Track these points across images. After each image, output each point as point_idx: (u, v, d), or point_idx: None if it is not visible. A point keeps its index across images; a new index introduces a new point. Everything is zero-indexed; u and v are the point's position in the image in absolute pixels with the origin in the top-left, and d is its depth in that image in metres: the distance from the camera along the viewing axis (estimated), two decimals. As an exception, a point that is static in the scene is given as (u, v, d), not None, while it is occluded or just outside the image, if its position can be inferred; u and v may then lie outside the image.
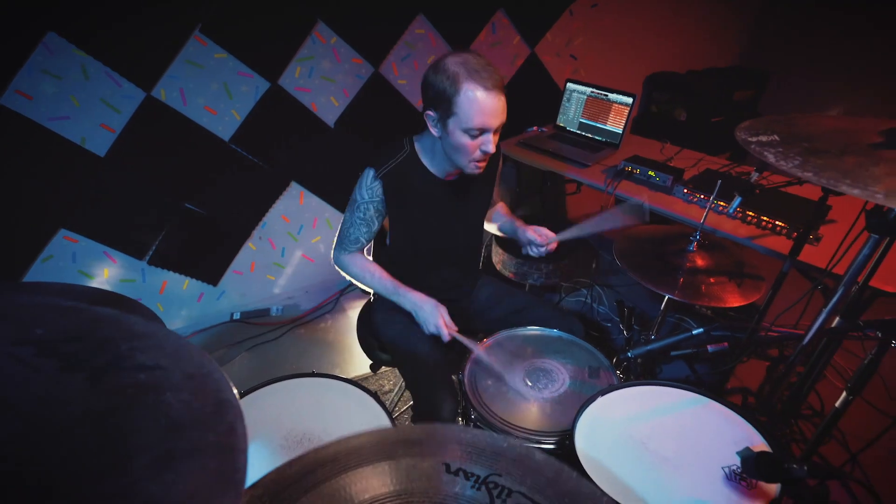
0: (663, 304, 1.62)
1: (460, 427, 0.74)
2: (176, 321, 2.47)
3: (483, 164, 1.30)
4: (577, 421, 1.03)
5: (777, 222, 1.74)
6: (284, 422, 1.17)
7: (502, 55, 2.62)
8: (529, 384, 1.30)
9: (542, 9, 2.62)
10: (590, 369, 1.35)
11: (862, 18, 3.08)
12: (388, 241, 1.54)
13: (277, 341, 2.51)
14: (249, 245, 2.48)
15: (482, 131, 1.21)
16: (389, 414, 1.23)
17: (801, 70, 3.39)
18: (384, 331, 1.56)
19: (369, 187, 1.35)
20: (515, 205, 3.16)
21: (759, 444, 0.91)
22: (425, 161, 1.38)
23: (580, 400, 1.25)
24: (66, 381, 0.43)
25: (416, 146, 1.37)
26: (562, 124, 2.63)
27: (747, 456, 0.77)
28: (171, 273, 2.32)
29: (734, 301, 1.38)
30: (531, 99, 2.80)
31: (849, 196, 0.71)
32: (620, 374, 1.67)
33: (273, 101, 2.17)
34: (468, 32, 2.47)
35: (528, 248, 1.51)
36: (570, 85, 2.55)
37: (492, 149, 1.23)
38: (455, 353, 1.54)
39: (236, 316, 2.59)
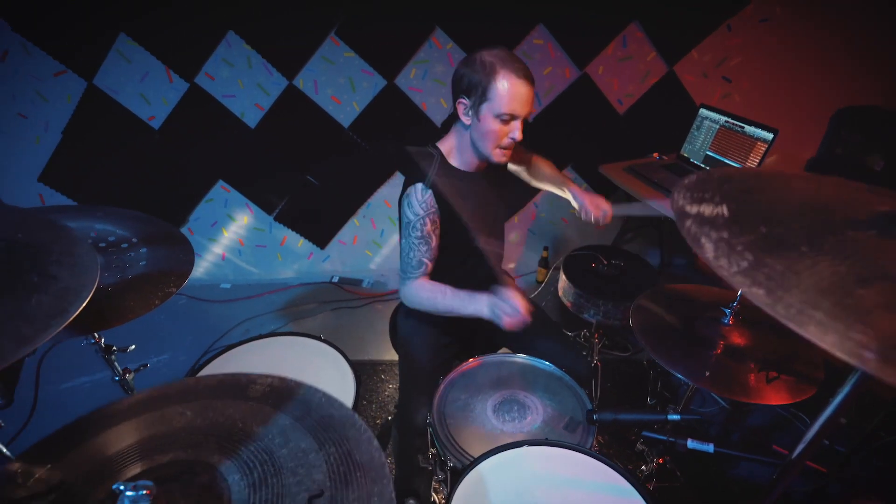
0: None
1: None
2: (289, 271, 2.96)
3: (509, 153, 1.34)
4: (483, 458, 0.98)
5: None
6: (265, 368, 1.38)
7: (631, 71, 2.41)
8: (495, 412, 1.26)
9: (690, 23, 2.30)
10: (570, 420, 1.23)
11: None
12: None
13: (359, 310, 2.81)
14: (354, 221, 2.82)
15: (512, 117, 1.25)
16: (357, 391, 1.35)
17: None
18: (402, 325, 1.66)
19: (422, 201, 1.33)
20: (622, 233, 2.89)
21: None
22: (453, 161, 1.41)
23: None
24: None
25: (442, 150, 1.41)
26: (685, 154, 2.31)
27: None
28: (290, 230, 2.80)
29: (776, 398, 1.09)
30: (660, 123, 2.51)
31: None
32: (649, 447, 1.46)
33: (388, 98, 2.41)
34: (593, 45, 2.34)
35: (582, 212, 1.52)
36: (703, 111, 2.22)
37: (519, 136, 1.27)
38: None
39: (335, 279, 2.98)
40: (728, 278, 0.53)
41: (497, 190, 1.51)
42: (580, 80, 2.41)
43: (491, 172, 1.48)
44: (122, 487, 0.58)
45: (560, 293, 2.12)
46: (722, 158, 2.13)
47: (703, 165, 2.22)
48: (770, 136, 1.94)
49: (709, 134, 2.19)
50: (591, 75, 2.40)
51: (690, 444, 0.97)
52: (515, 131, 1.27)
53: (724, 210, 0.63)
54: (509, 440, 1.13)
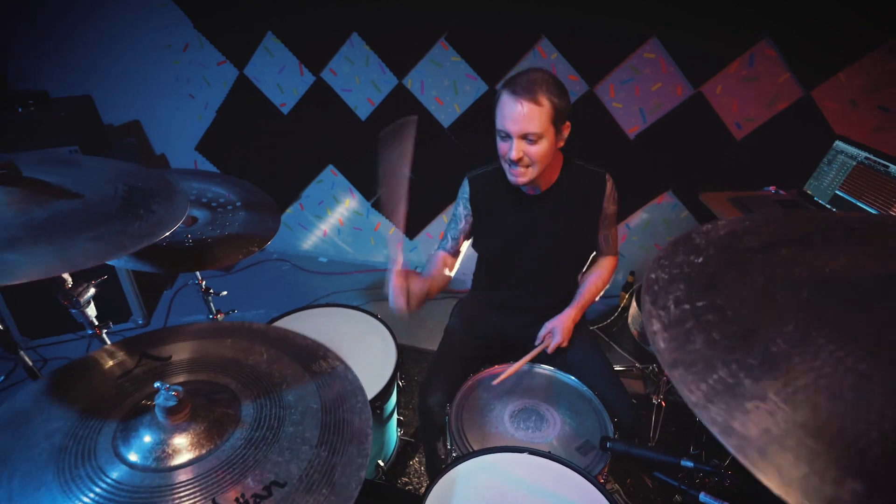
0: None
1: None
2: (379, 255, 3.20)
3: (517, 173, 1.30)
4: (479, 454, 1.00)
5: None
6: (321, 334, 1.56)
7: (756, 93, 2.16)
8: (512, 417, 1.27)
9: (839, 41, 1.99)
10: (585, 443, 1.20)
11: None
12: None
13: (433, 302, 2.93)
14: (443, 217, 2.95)
15: (507, 135, 1.26)
16: (396, 369, 1.45)
17: None
18: (456, 314, 1.75)
19: (462, 187, 1.54)
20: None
21: None
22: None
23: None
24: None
25: None
26: (809, 192, 2.02)
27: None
28: (383, 218, 3.02)
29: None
30: (784, 153, 2.22)
31: None
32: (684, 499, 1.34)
33: (488, 103, 2.48)
34: (712, 62, 2.14)
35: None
36: (839, 144, 1.92)
37: (513, 155, 1.25)
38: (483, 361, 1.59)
39: (419, 269, 3.13)
40: None
41: (547, 218, 1.45)
42: (693, 98, 2.23)
43: (548, 201, 1.43)
44: (159, 385, 0.74)
45: (629, 320, 2.01)
46: (854, 201, 1.83)
47: (828, 206, 1.92)
48: (920, 180, 1.62)
49: (842, 171, 1.89)
50: (706, 94, 2.21)
51: (702, 497, 0.89)
52: (510, 150, 1.25)
53: (785, 408, 0.33)
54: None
